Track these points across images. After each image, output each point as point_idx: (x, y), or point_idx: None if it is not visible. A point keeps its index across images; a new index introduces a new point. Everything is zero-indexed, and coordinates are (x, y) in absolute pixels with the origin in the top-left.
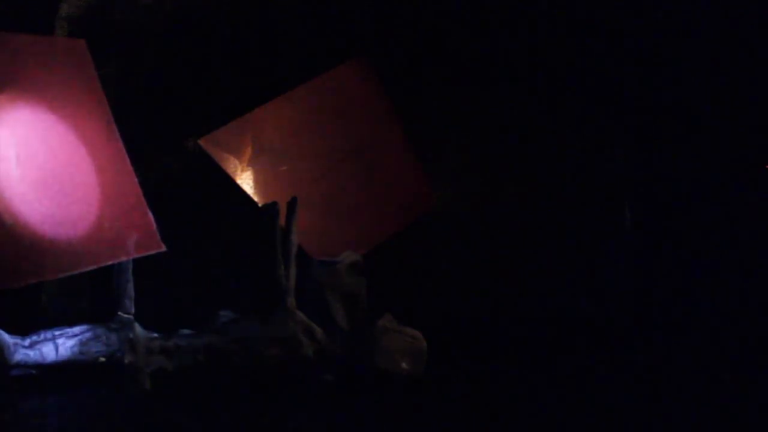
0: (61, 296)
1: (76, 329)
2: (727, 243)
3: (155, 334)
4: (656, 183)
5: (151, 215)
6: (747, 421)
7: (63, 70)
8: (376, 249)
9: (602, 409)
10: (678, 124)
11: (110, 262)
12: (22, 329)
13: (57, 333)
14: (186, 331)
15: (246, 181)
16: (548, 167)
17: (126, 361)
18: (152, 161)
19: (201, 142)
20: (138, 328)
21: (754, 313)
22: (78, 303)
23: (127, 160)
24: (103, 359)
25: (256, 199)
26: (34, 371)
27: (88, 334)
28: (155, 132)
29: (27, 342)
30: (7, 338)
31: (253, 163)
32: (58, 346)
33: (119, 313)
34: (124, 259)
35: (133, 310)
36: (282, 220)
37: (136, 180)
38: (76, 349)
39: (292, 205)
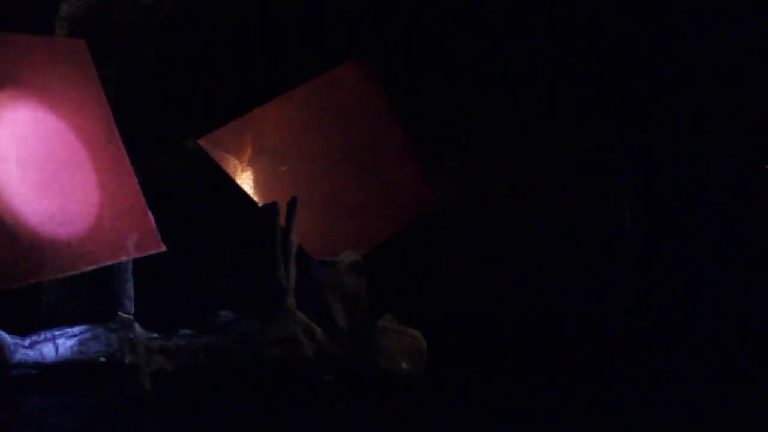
0: (61, 296)
1: (76, 329)
2: (727, 243)
3: (155, 334)
4: (656, 183)
5: (151, 215)
6: (747, 421)
7: (63, 70)
8: (376, 249)
9: (602, 409)
10: (678, 124)
11: (110, 262)
12: (22, 329)
13: (57, 333)
14: (186, 331)
15: (246, 181)
16: (548, 167)
17: (126, 361)
18: (152, 161)
19: (201, 142)
20: (138, 328)
21: (754, 313)
22: (78, 303)
23: (127, 160)
24: (103, 359)
25: (256, 199)
26: (34, 371)
27: (88, 334)
28: (155, 132)
29: (27, 342)
30: (7, 338)
31: (253, 163)
32: (58, 346)
33: (119, 313)
34: (124, 259)
35: (133, 310)
36: (282, 220)
37: (136, 180)
38: (76, 349)
39: (292, 205)
